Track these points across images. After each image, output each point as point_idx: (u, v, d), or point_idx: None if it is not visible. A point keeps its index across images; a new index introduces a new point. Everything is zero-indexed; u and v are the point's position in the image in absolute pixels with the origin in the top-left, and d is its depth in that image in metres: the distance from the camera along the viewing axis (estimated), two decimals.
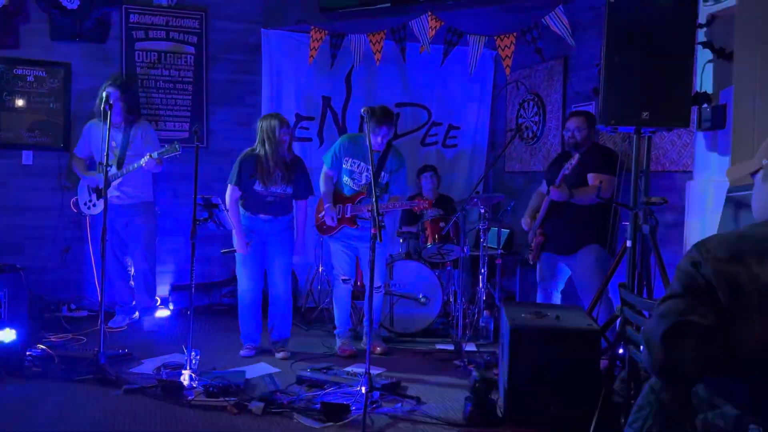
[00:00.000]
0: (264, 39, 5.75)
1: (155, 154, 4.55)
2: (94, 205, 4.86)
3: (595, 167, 4.02)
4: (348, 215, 4.35)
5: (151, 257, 5.01)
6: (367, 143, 3.53)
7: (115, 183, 4.74)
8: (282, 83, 5.85)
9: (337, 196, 4.44)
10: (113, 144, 4.76)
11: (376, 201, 3.46)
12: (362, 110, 3.61)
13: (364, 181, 4.37)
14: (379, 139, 4.24)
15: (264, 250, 4.35)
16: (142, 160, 4.61)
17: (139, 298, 5.03)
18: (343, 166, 4.39)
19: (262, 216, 4.28)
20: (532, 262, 4.35)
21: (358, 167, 4.38)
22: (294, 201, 4.37)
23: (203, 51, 5.69)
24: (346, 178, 4.41)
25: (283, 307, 4.38)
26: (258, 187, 4.21)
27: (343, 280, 4.46)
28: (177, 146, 4.48)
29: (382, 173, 4.38)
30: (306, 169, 4.42)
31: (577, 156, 3.87)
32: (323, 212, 4.39)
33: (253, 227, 4.30)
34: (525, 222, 4.39)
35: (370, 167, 3.54)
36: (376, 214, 3.40)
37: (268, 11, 5.80)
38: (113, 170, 4.70)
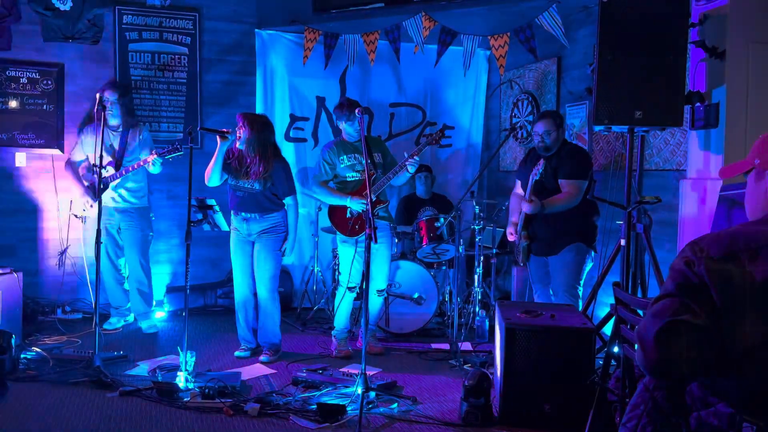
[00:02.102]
0: (258, 39, 5.74)
1: (157, 156, 4.54)
2: (92, 207, 4.84)
3: (565, 173, 3.93)
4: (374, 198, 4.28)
5: (146, 263, 4.98)
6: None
7: (113, 183, 4.72)
8: (276, 84, 5.84)
9: (349, 191, 4.41)
10: (110, 146, 4.74)
11: (371, 202, 3.48)
12: (357, 111, 3.83)
13: (364, 167, 4.35)
14: (358, 125, 4.21)
15: (251, 250, 4.30)
16: (149, 157, 4.58)
17: (134, 302, 5.00)
18: (341, 166, 4.37)
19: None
20: (522, 264, 4.33)
21: (355, 158, 4.37)
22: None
23: (197, 52, 5.67)
24: (350, 174, 4.38)
25: (264, 312, 4.30)
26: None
27: (349, 288, 4.44)
28: (179, 146, 4.47)
29: (375, 154, 4.38)
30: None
31: (542, 162, 3.82)
32: (349, 217, 4.34)
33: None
34: (509, 232, 4.29)
35: (365, 153, 3.82)
36: (370, 213, 3.41)
37: (262, 12, 5.79)
38: (110, 172, 4.67)
